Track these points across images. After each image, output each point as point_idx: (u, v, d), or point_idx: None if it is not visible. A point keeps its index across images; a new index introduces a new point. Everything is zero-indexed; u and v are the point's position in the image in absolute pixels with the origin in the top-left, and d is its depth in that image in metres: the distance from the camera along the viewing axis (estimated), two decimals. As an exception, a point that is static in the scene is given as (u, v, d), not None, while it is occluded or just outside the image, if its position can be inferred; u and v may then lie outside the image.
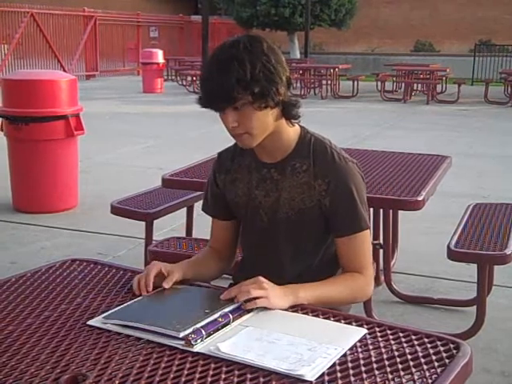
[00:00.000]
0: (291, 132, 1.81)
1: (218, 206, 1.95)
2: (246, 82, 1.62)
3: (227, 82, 1.61)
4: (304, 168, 1.80)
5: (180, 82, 16.61)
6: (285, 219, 1.83)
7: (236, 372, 1.26)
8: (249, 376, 1.25)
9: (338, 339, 1.39)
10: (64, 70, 15.89)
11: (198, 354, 1.33)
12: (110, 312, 1.52)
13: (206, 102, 1.69)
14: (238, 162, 1.90)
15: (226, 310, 1.49)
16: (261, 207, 1.85)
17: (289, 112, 1.76)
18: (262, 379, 1.24)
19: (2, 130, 5.11)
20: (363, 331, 1.43)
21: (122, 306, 1.55)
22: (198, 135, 8.89)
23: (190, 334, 1.37)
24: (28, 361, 1.31)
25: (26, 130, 4.91)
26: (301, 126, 1.85)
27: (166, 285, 1.64)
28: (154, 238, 3.41)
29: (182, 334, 1.37)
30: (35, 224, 4.78)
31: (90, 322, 1.47)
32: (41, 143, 4.97)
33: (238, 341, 1.38)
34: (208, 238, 2.05)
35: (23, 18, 17.15)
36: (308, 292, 1.65)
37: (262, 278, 1.60)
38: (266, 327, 1.45)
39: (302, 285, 1.68)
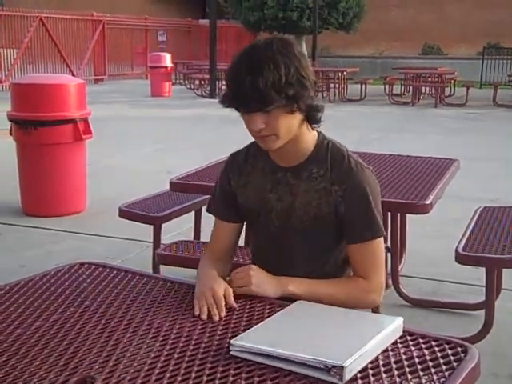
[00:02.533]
0: (310, 137, 1.81)
1: (228, 207, 1.92)
2: (281, 85, 1.61)
3: (262, 85, 1.60)
4: (321, 173, 1.79)
5: (188, 86, 16.66)
6: (299, 224, 1.82)
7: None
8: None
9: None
10: (72, 74, 15.97)
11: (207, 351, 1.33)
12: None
13: (235, 102, 1.67)
14: (251, 164, 1.89)
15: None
16: (273, 211, 1.84)
17: (313, 117, 1.77)
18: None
19: (12, 135, 5.13)
20: (400, 320, 1.44)
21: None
22: (206, 139, 8.90)
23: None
24: (37, 363, 1.31)
25: (35, 134, 4.93)
26: (318, 132, 1.85)
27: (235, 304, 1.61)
28: (162, 242, 3.42)
29: (347, 363, 1.23)
30: (44, 227, 4.80)
31: (232, 353, 1.34)
32: (49, 147, 4.99)
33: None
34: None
35: (32, 23, 17.24)
36: (300, 286, 1.70)
37: (251, 266, 1.68)
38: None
39: (295, 278, 1.72)
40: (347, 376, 1.22)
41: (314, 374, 1.24)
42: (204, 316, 1.54)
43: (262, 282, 1.66)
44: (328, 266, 1.89)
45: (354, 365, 1.24)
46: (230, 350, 1.34)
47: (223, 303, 1.58)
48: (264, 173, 1.86)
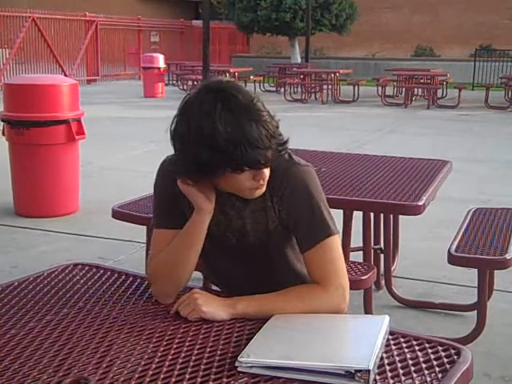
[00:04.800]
0: None
1: (175, 214, 1.74)
2: (274, 137, 1.56)
3: (268, 136, 1.53)
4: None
5: (181, 87, 16.63)
6: (256, 242, 1.76)
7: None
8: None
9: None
10: (65, 75, 15.93)
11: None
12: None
13: (248, 163, 1.53)
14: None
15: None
16: (228, 229, 1.76)
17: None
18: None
19: (4, 135, 5.12)
20: (387, 318, 1.44)
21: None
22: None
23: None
24: (30, 364, 1.31)
25: (28, 135, 4.92)
26: None
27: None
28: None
29: (371, 366, 1.23)
30: (36, 228, 4.79)
31: (240, 369, 1.29)
32: (42, 147, 4.97)
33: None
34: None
35: (24, 23, 17.18)
36: (249, 303, 1.57)
37: (193, 290, 1.60)
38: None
39: (243, 297, 1.60)
40: (371, 379, 1.22)
41: (336, 381, 1.22)
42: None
43: (209, 302, 1.56)
44: (294, 281, 1.75)
45: (374, 368, 1.25)
46: (235, 366, 1.30)
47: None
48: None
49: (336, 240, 1.69)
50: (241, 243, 1.77)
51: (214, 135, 1.50)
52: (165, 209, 1.77)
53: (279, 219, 1.71)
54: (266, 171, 1.61)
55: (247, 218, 1.74)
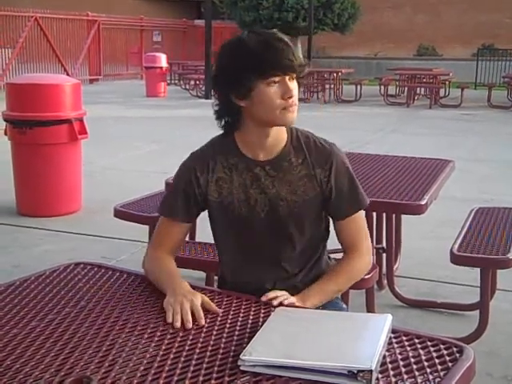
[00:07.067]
0: (285, 127, 1.86)
1: (189, 207, 1.87)
2: (302, 58, 1.76)
3: (293, 50, 1.73)
4: (300, 161, 1.84)
5: (183, 86, 16.64)
6: (286, 213, 1.83)
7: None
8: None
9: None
10: (67, 74, 15.96)
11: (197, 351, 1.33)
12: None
13: (273, 65, 1.70)
14: (220, 162, 1.86)
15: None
16: (257, 205, 1.83)
17: None
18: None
19: (6, 134, 5.12)
20: (389, 317, 1.45)
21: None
22: (201, 139, 8.84)
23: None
24: (32, 363, 1.31)
25: (30, 134, 4.92)
26: None
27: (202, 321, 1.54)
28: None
29: (373, 366, 1.23)
30: (39, 227, 4.79)
31: (242, 368, 1.29)
32: (44, 147, 4.98)
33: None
34: (211, 241, 2.05)
35: (27, 23, 17.21)
36: (315, 299, 1.76)
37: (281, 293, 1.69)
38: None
39: (308, 292, 1.78)
40: (374, 379, 1.22)
41: (338, 380, 1.22)
42: (178, 324, 1.50)
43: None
44: (304, 247, 1.91)
45: (376, 367, 1.24)
46: (237, 365, 1.29)
47: (202, 313, 1.54)
48: (238, 169, 1.84)
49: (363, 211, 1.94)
50: (269, 219, 1.85)
51: (244, 43, 1.73)
52: (174, 199, 1.88)
53: (321, 188, 1.84)
54: (295, 91, 1.74)
55: (282, 187, 1.83)
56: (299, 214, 1.84)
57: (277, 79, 1.71)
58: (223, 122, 1.85)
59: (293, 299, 1.67)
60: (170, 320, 1.52)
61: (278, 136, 1.83)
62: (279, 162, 1.83)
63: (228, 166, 1.85)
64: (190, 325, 1.49)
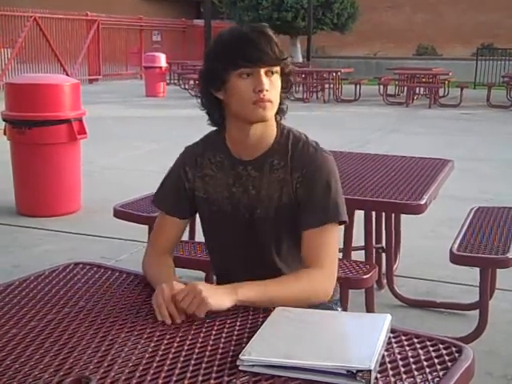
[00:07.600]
0: (274, 124, 1.80)
1: (181, 202, 1.86)
2: (282, 51, 1.70)
3: (273, 43, 1.68)
4: (282, 164, 1.77)
5: (182, 86, 16.64)
6: (264, 217, 1.79)
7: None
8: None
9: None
10: (67, 74, 15.96)
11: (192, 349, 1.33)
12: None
13: (243, 56, 1.65)
14: (208, 158, 1.84)
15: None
16: (240, 204, 1.80)
17: (282, 109, 1.80)
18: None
19: (6, 134, 5.12)
20: (388, 317, 1.44)
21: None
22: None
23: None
24: (32, 363, 1.31)
25: (29, 134, 4.92)
26: (277, 122, 1.82)
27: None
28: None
29: (372, 366, 1.22)
30: (38, 227, 4.79)
31: (241, 368, 1.28)
32: (44, 147, 4.98)
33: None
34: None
35: (26, 23, 17.21)
36: (250, 290, 1.57)
37: (195, 284, 1.53)
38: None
39: (244, 283, 1.59)
40: (372, 378, 1.22)
41: (337, 380, 1.22)
42: (168, 321, 1.49)
43: (212, 293, 1.51)
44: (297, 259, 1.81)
45: (376, 367, 1.24)
46: (236, 365, 1.29)
47: (172, 305, 1.51)
48: (223, 167, 1.82)
49: (338, 230, 1.77)
50: (252, 219, 1.80)
51: (222, 34, 1.74)
52: (165, 191, 1.91)
53: (294, 194, 1.76)
54: (269, 85, 1.68)
55: (262, 189, 1.78)
56: (275, 220, 1.78)
57: (249, 71, 1.66)
58: (210, 117, 1.84)
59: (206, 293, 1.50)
60: (159, 318, 1.51)
61: (263, 134, 1.77)
62: (261, 164, 1.78)
63: (215, 162, 1.83)
64: (179, 320, 1.49)
